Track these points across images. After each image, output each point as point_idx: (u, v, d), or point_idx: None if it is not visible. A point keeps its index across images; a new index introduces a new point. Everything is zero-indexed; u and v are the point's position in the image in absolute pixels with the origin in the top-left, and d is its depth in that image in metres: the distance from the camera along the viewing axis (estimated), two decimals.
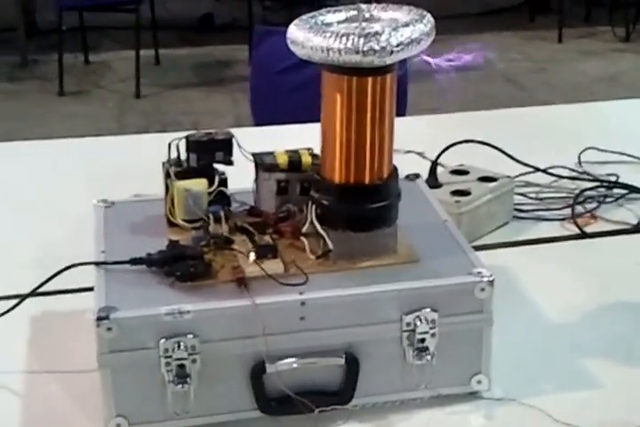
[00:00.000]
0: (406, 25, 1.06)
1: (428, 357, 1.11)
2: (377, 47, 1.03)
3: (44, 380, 1.21)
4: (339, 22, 1.12)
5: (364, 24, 1.10)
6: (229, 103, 4.58)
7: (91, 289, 1.19)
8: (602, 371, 1.21)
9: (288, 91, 2.34)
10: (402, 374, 1.12)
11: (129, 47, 4.85)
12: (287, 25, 1.13)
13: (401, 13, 1.11)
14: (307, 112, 2.20)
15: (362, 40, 1.03)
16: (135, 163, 1.82)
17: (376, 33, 1.04)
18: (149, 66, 5.01)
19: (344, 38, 1.04)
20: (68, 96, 4.70)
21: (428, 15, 1.09)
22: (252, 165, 1.24)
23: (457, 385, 1.14)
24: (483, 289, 1.11)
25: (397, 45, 1.04)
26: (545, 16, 5.74)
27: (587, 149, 1.79)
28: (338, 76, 1.09)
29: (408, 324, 1.10)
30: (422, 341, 1.11)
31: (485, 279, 1.11)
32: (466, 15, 5.69)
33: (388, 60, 1.05)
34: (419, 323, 1.10)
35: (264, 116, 2.40)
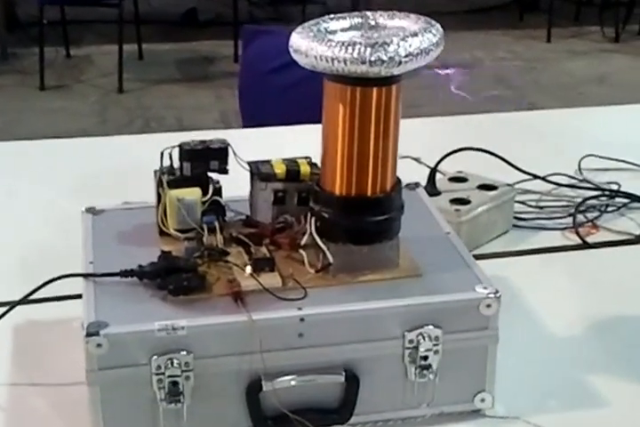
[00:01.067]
0: (415, 35, 1.01)
1: (431, 375, 1.07)
2: (385, 58, 0.99)
3: (28, 393, 1.16)
4: (343, 30, 1.08)
5: (369, 33, 1.06)
6: (213, 99, 4.54)
7: (76, 297, 1.15)
8: (607, 387, 1.17)
9: (277, 91, 2.29)
10: (403, 392, 1.09)
11: (111, 41, 4.79)
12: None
13: (408, 22, 1.07)
14: (296, 112, 2.17)
15: (369, 50, 0.99)
16: (122, 164, 1.79)
17: (384, 43, 0.99)
18: (132, 61, 4.95)
19: (350, 48, 0.99)
20: (48, 91, 4.64)
21: (437, 25, 1.05)
22: (246, 172, 1.19)
23: (460, 403, 1.11)
24: (489, 305, 1.07)
25: (406, 56, 1.00)
26: (534, 15, 5.72)
27: (586, 156, 1.75)
28: (341, 86, 1.05)
29: (410, 341, 1.06)
30: (425, 358, 1.07)
31: (492, 295, 1.08)
32: (455, 13, 5.65)
33: (396, 71, 1.01)
34: (422, 340, 1.06)
35: (253, 117, 2.36)
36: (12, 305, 1.18)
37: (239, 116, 2.85)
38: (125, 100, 4.53)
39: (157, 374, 1.02)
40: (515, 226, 1.57)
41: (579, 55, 5.17)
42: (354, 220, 1.09)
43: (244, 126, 2.38)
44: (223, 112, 4.31)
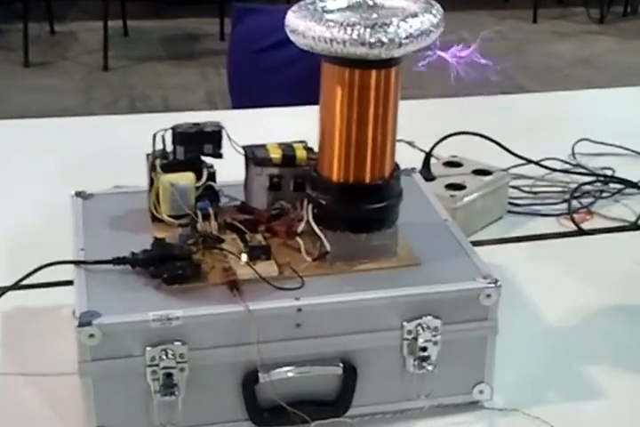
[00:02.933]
0: (415, 15, 0.99)
1: (430, 366, 1.05)
2: (385, 39, 0.96)
3: (17, 383, 1.13)
4: (340, 10, 1.05)
5: (368, 13, 1.03)
6: (199, 78, 4.49)
7: (65, 283, 1.13)
8: (607, 378, 1.16)
9: (268, 70, 2.26)
10: (401, 384, 1.07)
11: (96, 17, 4.72)
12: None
13: (407, 2, 1.04)
14: (287, 93, 2.14)
15: (369, 31, 0.96)
16: (109, 146, 1.75)
17: (384, 24, 0.97)
18: (117, 37, 4.88)
19: (349, 29, 0.96)
20: (32, 67, 4.57)
21: (437, 5, 1.03)
22: (241, 156, 1.17)
23: (458, 395, 1.09)
24: (489, 295, 1.06)
25: (406, 37, 0.97)
26: None
27: (580, 140, 1.73)
28: (339, 69, 1.02)
29: (409, 331, 1.04)
30: (424, 349, 1.05)
31: (492, 285, 1.06)
32: None
33: (396, 53, 0.98)
34: (421, 331, 1.04)
35: (242, 97, 2.32)
36: (1, 292, 1.15)
37: (225, 96, 2.81)
38: (110, 79, 4.47)
39: (151, 366, 0.99)
40: (509, 212, 1.55)
41: (564, 36, 5.14)
42: (352, 207, 1.07)
43: (233, 106, 2.34)
44: (209, 91, 4.27)
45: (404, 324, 1.04)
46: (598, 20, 5.37)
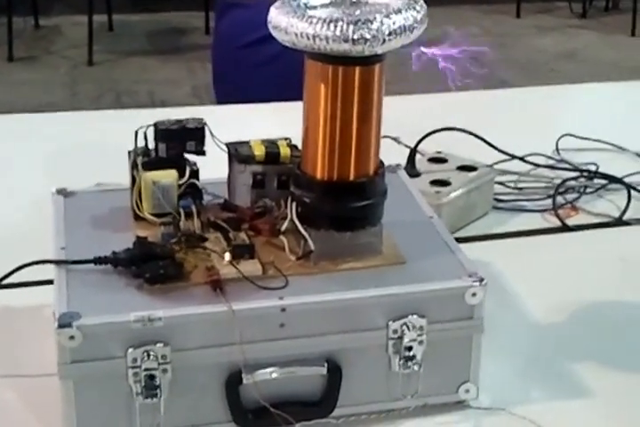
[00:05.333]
0: (398, 11, 0.98)
1: (416, 366, 1.05)
2: (368, 36, 0.95)
3: None
4: (323, 6, 1.03)
5: (351, 9, 1.02)
6: (185, 72, 4.47)
7: (45, 283, 1.11)
8: (594, 376, 1.15)
9: (251, 66, 2.24)
10: (387, 384, 1.06)
11: (81, 11, 4.70)
12: None
13: None
14: (272, 89, 2.12)
15: (352, 27, 0.95)
16: (94, 142, 1.74)
17: (367, 20, 0.96)
18: (102, 32, 4.86)
19: (332, 25, 0.95)
20: (17, 62, 4.55)
21: (421, 1, 1.01)
22: (224, 153, 1.15)
23: (444, 394, 1.08)
24: (474, 294, 1.05)
25: (389, 34, 0.96)
26: None
27: (564, 135, 1.72)
28: (322, 65, 1.01)
29: (394, 331, 1.03)
30: (409, 349, 1.04)
31: (477, 284, 1.05)
32: None
33: (379, 50, 0.97)
34: (406, 330, 1.03)
35: (227, 92, 2.30)
36: None
37: (211, 90, 2.79)
38: (95, 73, 4.45)
39: (133, 368, 0.98)
40: (494, 208, 1.54)
41: (547, 31, 5.15)
42: (336, 205, 1.06)
43: (218, 102, 2.32)
44: (195, 86, 4.25)
45: (390, 323, 1.03)
46: (581, 15, 5.40)
